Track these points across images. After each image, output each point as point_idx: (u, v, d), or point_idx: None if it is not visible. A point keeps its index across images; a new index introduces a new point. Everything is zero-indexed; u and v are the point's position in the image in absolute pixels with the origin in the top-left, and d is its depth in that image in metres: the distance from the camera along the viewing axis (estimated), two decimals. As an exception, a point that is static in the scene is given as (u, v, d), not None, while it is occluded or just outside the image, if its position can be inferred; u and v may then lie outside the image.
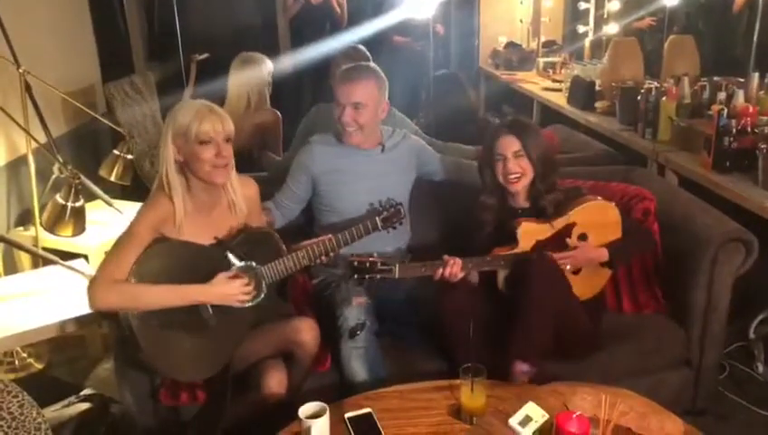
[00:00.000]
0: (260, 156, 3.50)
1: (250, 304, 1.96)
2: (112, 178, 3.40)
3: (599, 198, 2.25)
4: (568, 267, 2.15)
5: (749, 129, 2.62)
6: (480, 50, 6.19)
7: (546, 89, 4.80)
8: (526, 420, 1.68)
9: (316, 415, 1.63)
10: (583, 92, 4.03)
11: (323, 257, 2.07)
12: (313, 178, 2.39)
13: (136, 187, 3.49)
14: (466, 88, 3.82)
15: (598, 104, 3.90)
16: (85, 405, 2.38)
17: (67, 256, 2.82)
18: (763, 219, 2.38)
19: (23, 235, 3.01)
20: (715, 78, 3.39)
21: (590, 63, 4.50)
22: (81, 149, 3.78)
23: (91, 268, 2.67)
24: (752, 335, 2.78)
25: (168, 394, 2.04)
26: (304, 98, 4.92)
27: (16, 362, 2.81)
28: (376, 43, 4.56)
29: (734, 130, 2.61)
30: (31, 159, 2.85)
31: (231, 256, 1.96)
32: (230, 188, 1.98)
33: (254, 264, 1.98)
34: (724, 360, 2.63)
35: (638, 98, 3.33)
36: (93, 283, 1.86)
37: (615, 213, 2.23)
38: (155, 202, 1.92)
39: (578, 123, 3.93)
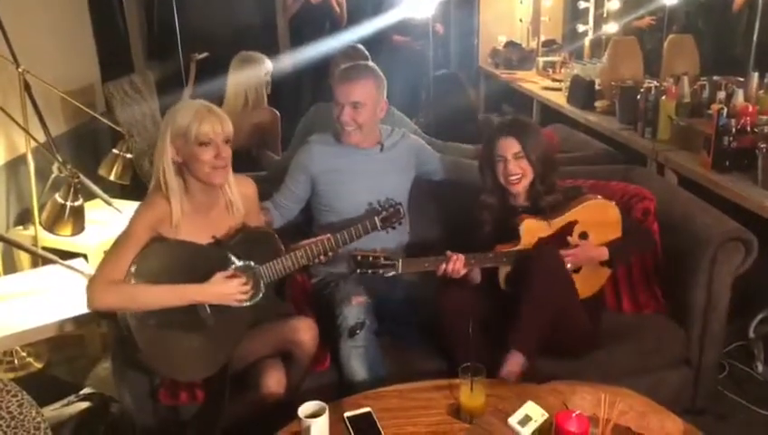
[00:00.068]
0: (259, 155, 3.50)
1: (248, 303, 1.96)
2: (112, 178, 3.40)
3: (599, 196, 2.25)
4: (569, 266, 2.15)
5: (749, 128, 2.62)
6: (480, 49, 6.20)
7: (546, 88, 4.80)
8: (526, 420, 1.68)
9: (315, 414, 1.63)
10: (583, 92, 4.03)
11: (322, 257, 2.07)
12: (312, 177, 2.39)
13: (135, 186, 3.48)
14: (466, 88, 3.81)
15: (597, 103, 3.90)
16: (84, 404, 2.37)
17: (66, 255, 2.82)
18: (763, 219, 2.38)
19: (22, 234, 3.01)
20: (715, 77, 3.39)
21: (589, 63, 4.50)
22: (81, 148, 3.77)
23: (90, 267, 2.66)
24: (751, 335, 2.78)
25: (168, 394, 2.04)
26: (304, 97, 4.92)
27: (16, 362, 2.81)
28: (375, 43, 4.56)
29: (734, 130, 2.61)
30: (30, 158, 2.85)
31: (231, 256, 1.95)
32: (228, 188, 1.98)
33: (252, 263, 1.98)
34: (724, 359, 2.63)
35: (638, 97, 3.33)
36: (91, 283, 1.85)
37: (615, 212, 2.23)
38: (152, 202, 1.91)
39: (577, 122, 3.93)
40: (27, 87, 2.77)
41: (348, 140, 2.36)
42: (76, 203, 2.69)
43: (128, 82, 3.73)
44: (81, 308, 1.87)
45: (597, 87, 3.99)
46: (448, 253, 2.08)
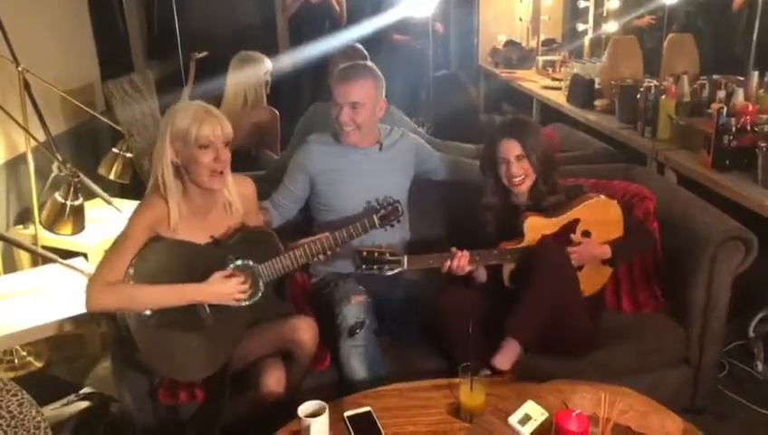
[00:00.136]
0: (258, 154, 3.50)
1: (247, 302, 1.96)
2: (111, 177, 3.40)
3: (602, 195, 2.25)
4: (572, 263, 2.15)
5: (748, 127, 2.62)
6: (479, 48, 6.20)
7: (546, 87, 4.80)
8: (526, 419, 1.68)
9: (315, 414, 1.63)
10: (583, 91, 4.02)
11: (321, 256, 2.08)
12: (311, 177, 2.39)
13: (135, 185, 3.48)
14: (468, 88, 3.81)
15: (597, 102, 3.89)
16: (84, 404, 2.37)
17: (66, 254, 2.82)
18: (763, 218, 2.37)
19: (22, 233, 3.01)
20: (715, 76, 3.39)
21: (589, 62, 4.50)
22: (81, 147, 3.77)
23: (90, 267, 2.67)
24: (751, 334, 2.78)
25: (167, 393, 2.04)
26: (303, 96, 4.92)
27: (16, 361, 2.81)
28: (375, 42, 4.56)
29: (734, 129, 2.61)
30: (30, 157, 2.85)
31: (229, 256, 1.95)
32: (226, 189, 1.97)
33: (251, 262, 1.98)
34: (724, 358, 2.63)
35: (638, 96, 3.32)
36: (89, 285, 1.85)
37: (617, 211, 2.24)
38: (150, 203, 1.90)
39: (577, 122, 3.93)
40: (27, 86, 2.77)
41: (347, 140, 2.36)
42: (76, 202, 2.69)
43: (127, 81, 3.73)
44: (81, 307, 1.87)
45: (597, 86, 3.99)
46: (453, 249, 2.08)
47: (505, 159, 2.16)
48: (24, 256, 2.97)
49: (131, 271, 1.85)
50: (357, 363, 2.09)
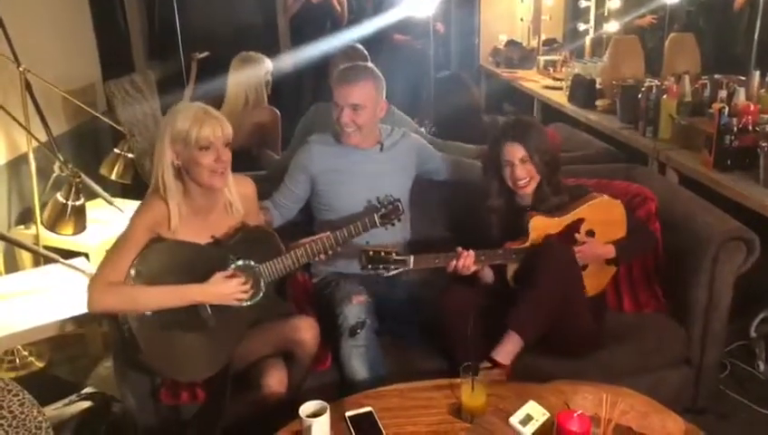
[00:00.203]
0: (259, 154, 3.50)
1: (248, 302, 1.96)
2: (113, 177, 3.40)
3: (605, 195, 2.25)
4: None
5: (750, 127, 2.62)
6: (480, 48, 6.19)
7: (547, 87, 4.80)
8: (527, 419, 1.68)
9: (316, 414, 1.63)
10: (584, 91, 4.02)
11: (322, 255, 2.08)
12: (312, 177, 2.39)
13: (136, 185, 3.48)
14: (471, 88, 3.80)
15: (598, 102, 3.89)
16: (86, 404, 2.37)
17: (68, 254, 2.82)
18: (765, 218, 2.37)
19: (23, 233, 3.01)
20: (716, 76, 3.39)
21: (590, 61, 4.49)
22: (82, 147, 3.78)
23: (91, 267, 2.67)
24: (753, 334, 2.78)
25: (169, 394, 2.04)
26: (304, 97, 4.92)
27: (17, 361, 2.81)
28: (376, 42, 4.57)
29: (735, 129, 2.61)
30: (31, 157, 2.85)
31: (230, 256, 1.95)
32: (227, 189, 1.97)
33: (252, 263, 1.98)
34: (725, 358, 2.63)
35: (639, 96, 3.32)
36: (91, 286, 1.85)
37: (621, 211, 2.24)
38: (150, 204, 1.91)
39: (578, 121, 3.93)
40: (28, 86, 2.77)
41: (347, 141, 2.36)
42: (77, 202, 2.69)
43: (129, 81, 3.73)
44: (83, 307, 1.87)
45: (598, 86, 3.99)
46: (459, 249, 2.08)
47: (510, 162, 2.15)
48: (25, 256, 2.97)
49: (133, 272, 1.85)
50: (358, 363, 2.09)
